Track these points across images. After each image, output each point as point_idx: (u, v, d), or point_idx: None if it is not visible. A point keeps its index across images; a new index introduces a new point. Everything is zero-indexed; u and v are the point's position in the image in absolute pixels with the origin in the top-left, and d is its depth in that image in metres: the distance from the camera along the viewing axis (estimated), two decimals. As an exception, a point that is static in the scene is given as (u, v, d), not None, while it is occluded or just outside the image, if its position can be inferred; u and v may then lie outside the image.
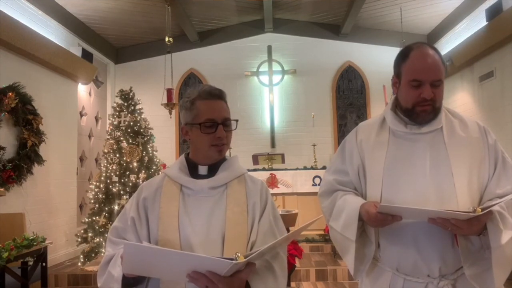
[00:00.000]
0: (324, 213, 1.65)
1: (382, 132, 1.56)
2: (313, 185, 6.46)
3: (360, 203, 1.46)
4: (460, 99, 6.36)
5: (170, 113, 6.17)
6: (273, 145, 7.55)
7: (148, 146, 5.37)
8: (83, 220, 5.23)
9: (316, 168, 6.73)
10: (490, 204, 1.34)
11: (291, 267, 4.02)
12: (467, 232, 1.31)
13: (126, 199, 5.04)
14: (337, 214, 1.55)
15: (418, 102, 1.43)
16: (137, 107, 5.49)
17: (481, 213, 1.25)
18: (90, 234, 4.96)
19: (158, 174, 5.31)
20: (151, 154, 5.37)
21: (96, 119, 7.03)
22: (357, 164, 1.57)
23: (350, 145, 1.62)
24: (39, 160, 4.90)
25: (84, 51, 6.21)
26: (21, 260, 3.19)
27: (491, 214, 1.30)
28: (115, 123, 5.36)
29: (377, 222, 1.39)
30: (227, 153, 1.50)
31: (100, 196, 5.08)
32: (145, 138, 5.37)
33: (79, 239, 4.99)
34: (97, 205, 5.08)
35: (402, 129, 1.50)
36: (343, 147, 1.66)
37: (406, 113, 1.49)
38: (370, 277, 1.54)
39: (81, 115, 6.48)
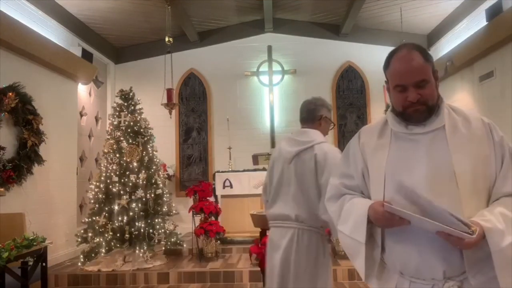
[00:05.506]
0: (332, 218, 1.63)
1: (383, 134, 1.55)
2: (313, 185, 6.45)
3: (368, 204, 1.43)
4: (460, 99, 6.35)
5: (170, 113, 6.16)
6: (273, 145, 7.52)
7: (148, 146, 5.38)
8: (83, 220, 5.23)
9: (316, 168, 6.72)
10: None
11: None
12: (471, 247, 1.28)
13: (126, 199, 5.04)
14: (345, 218, 1.53)
15: (407, 106, 1.43)
16: (137, 107, 5.49)
17: (476, 234, 1.23)
18: (90, 234, 4.96)
19: (158, 174, 5.37)
20: (151, 154, 5.38)
21: (96, 119, 7.03)
22: (361, 167, 1.56)
23: (353, 149, 1.61)
24: (39, 160, 4.90)
25: (84, 51, 6.21)
26: (21, 260, 3.18)
27: (491, 232, 1.27)
28: (115, 123, 5.37)
29: (384, 221, 1.36)
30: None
31: (100, 196, 5.08)
32: (145, 138, 5.38)
33: (79, 239, 4.99)
34: (97, 205, 5.08)
35: (403, 130, 1.49)
36: (347, 152, 1.65)
37: (400, 116, 1.49)
38: (378, 279, 1.52)
39: (81, 115, 6.48)
